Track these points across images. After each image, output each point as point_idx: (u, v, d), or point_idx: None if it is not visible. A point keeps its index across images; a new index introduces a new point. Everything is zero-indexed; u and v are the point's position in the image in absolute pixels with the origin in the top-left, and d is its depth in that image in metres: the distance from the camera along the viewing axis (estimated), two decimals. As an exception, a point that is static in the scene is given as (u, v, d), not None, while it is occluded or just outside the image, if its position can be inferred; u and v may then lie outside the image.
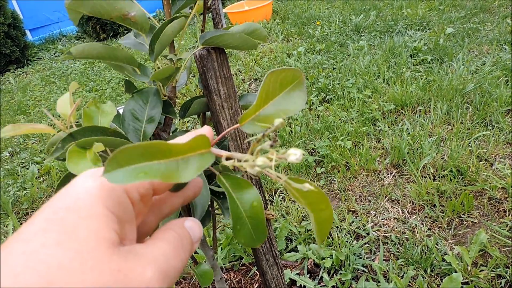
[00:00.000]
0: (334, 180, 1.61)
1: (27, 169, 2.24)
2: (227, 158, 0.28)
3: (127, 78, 0.60)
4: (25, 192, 1.99)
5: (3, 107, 3.38)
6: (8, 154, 2.49)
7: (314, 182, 1.61)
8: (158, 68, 0.58)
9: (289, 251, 1.32)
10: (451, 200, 1.36)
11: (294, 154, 0.23)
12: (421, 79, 2.25)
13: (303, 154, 0.24)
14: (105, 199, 0.21)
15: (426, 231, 1.28)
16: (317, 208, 0.29)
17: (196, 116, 0.75)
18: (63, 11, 5.56)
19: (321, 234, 0.32)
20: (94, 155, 0.43)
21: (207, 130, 0.29)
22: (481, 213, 1.31)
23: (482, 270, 1.11)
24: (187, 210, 0.63)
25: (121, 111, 0.59)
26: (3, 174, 2.22)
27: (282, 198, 1.56)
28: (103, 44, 0.51)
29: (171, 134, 0.64)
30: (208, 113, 0.71)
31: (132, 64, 0.57)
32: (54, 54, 5.04)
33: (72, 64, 4.35)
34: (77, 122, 0.52)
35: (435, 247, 1.20)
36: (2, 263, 0.17)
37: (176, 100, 0.63)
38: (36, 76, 4.20)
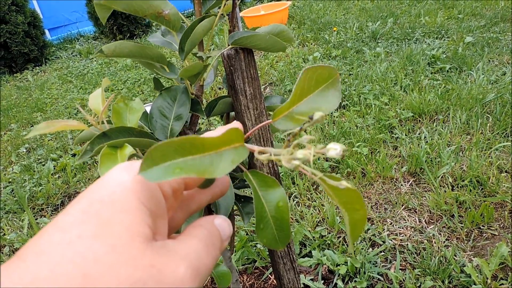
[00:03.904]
0: (350, 187, 1.59)
1: (43, 165, 2.27)
2: (260, 153, 0.27)
3: (155, 76, 0.60)
4: (40, 188, 2.02)
5: (21, 104, 3.44)
6: (25, 150, 2.53)
7: (329, 187, 1.60)
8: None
9: (303, 256, 1.30)
10: (470, 211, 1.33)
11: (334, 149, 0.22)
12: (440, 87, 2.22)
13: (343, 150, 0.23)
14: (139, 193, 0.21)
15: (444, 242, 1.26)
16: (352, 207, 0.28)
17: (220, 116, 0.75)
18: (82, 12, 5.65)
19: (354, 234, 0.30)
20: (125, 159, 0.43)
21: (238, 125, 0.29)
22: (501, 225, 1.28)
23: (502, 284, 1.08)
24: (208, 212, 0.62)
25: (147, 109, 0.59)
26: (20, 170, 2.25)
27: (296, 202, 1.55)
28: (134, 42, 0.51)
29: (196, 133, 0.64)
30: (232, 113, 0.71)
31: (162, 62, 0.57)
32: (72, 53, 5.12)
33: (89, 64, 4.41)
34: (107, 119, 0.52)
35: (453, 258, 1.18)
36: (42, 251, 0.18)
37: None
38: (54, 74, 4.27)
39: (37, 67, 4.73)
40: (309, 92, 0.32)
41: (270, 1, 5.45)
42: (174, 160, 0.21)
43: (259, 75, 3.03)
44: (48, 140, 2.57)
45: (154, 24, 5.75)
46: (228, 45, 0.60)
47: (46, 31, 5.69)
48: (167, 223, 0.23)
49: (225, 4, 0.58)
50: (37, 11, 5.04)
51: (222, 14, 0.59)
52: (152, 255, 0.19)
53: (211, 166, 0.22)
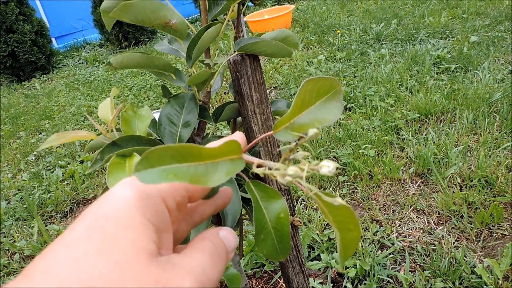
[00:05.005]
0: (357, 189, 1.59)
1: (52, 172, 2.29)
2: (258, 166, 0.27)
3: (164, 83, 0.61)
4: (49, 195, 2.03)
5: (29, 112, 3.48)
6: (33, 158, 2.55)
7: (336, 190, 1.60)
8: (194, 73, 0.59)
9: (311, 260, 1.30)
10: (479, 211, 1.32)
11: (327, 166, 0.22)
12: (445, 87, 2.21)
13: (337, 168, 0.23)
14: (143, 209, 0.21)
15: (454, 243, 1.25)
16: (345, 227, 0.28)
17: (227, 122, 0.76)
18: (88, 20, 5.72)
19: (345, 255, 0.30)
20: (133, 168, 0.44)
21: (239, 136, 0.29)
22: (511, 225, 1.27)
23: (514, 285, 1.07)
24: (216, 218, 0.63)
25: (155, 116, 0.60)
26: (29, 177, 2.28)
27: (304, 206, 1.55)
28: (141, 53, 0.52)
29: (203, 139, 0.65)
30: (239, 118, 0.72)
31: (169, 70, 0.58)
32: (78, 61, 5.18)
33: (96, 71, 4.45)
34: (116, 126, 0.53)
35: (464, 259, 1.17)
36: (48, 269, 0.18)
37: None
38: (61, 82, 4.32)
39: (44, 75, 4.78)
40: (310, 103, 0.32)
41: (274, 6, 5.47)
42: (169, 165, 0.21)
43: (264, 78, 3.04)
44: (57, 148, 2.60)
45: (159, 30, 5.80)
46: (234, 52, 0.61)
47: (53, 39, 5.76)
48: (172, 237, 0.23)
49: (231, 11, 0.59)
50: (44, 20, 5.10)
51: (228, 21, 0.60)
52: (157, 270, 0.19)
53: (206, 175, 0.23)
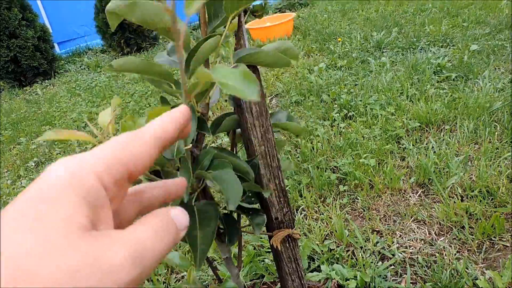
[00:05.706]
0: (358, 199, 1.58)
1: (52, 179, 2.28)
2: None
3: (162, 94, 0.61)
4: (49, 201, 2.03)
5: (30, 117, 3.48)
6: (33, 164, 2.55)
7: (336, 200, 1.59)
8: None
9: (311, 271, 1.29)
10: (481, 222, 1.31)
11: None
12: (446, 96, 2.21)
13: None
14: (75, 186, 0.21)
15: (455, 254, 1.24)
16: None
17: (226, 133, 0.75)
18: (90, 26, 5.75)
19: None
20: None
21: (183, 109, 0.28)
22: (513, 237, 1.26)
23: (516, 298, 1.06)
24: (208, 198, 0.62)
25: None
26: (28, 184, 2.27)
27: (304, 215, 1.54)
28: (142, 59, 0.52)
29: (201, 151, 0.64)
30: (239, 130, 0.71)
31: (169, 79, 0.57)
32: (80, 66, 5.20)
33: (97, 77, 4.47)
34: (114, 134, 0.52)
35: (465, 271, 1.16)
36: None
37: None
38: (62, 88, 4.33)
39: (46, 81, 4.80)
40: None
41: (275, 13, 5.50)
42: None
43: (265, 87, 3.04)
44: (56, 154, 2.60)
45: (161, 37, 5.83)
46: (234, 63, 0.60)
47: (55, 45, 5.79)
48: (111, 213, 0.23)
49: (228, 23, 0.59)
50: (46, 26, 5.13)
51: (227, 34, 0.60)
52: (88, 243, 0.19)
53: None
